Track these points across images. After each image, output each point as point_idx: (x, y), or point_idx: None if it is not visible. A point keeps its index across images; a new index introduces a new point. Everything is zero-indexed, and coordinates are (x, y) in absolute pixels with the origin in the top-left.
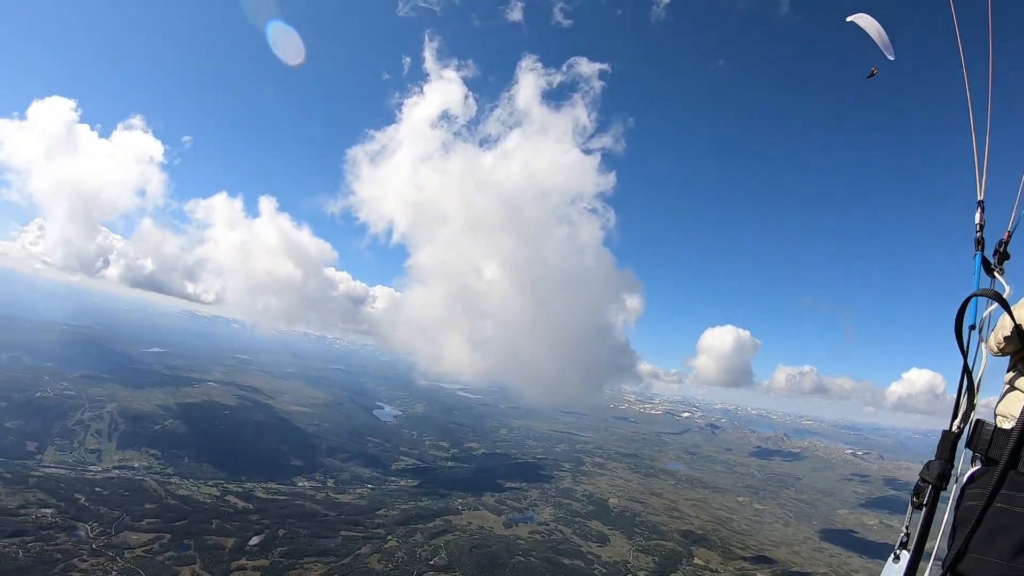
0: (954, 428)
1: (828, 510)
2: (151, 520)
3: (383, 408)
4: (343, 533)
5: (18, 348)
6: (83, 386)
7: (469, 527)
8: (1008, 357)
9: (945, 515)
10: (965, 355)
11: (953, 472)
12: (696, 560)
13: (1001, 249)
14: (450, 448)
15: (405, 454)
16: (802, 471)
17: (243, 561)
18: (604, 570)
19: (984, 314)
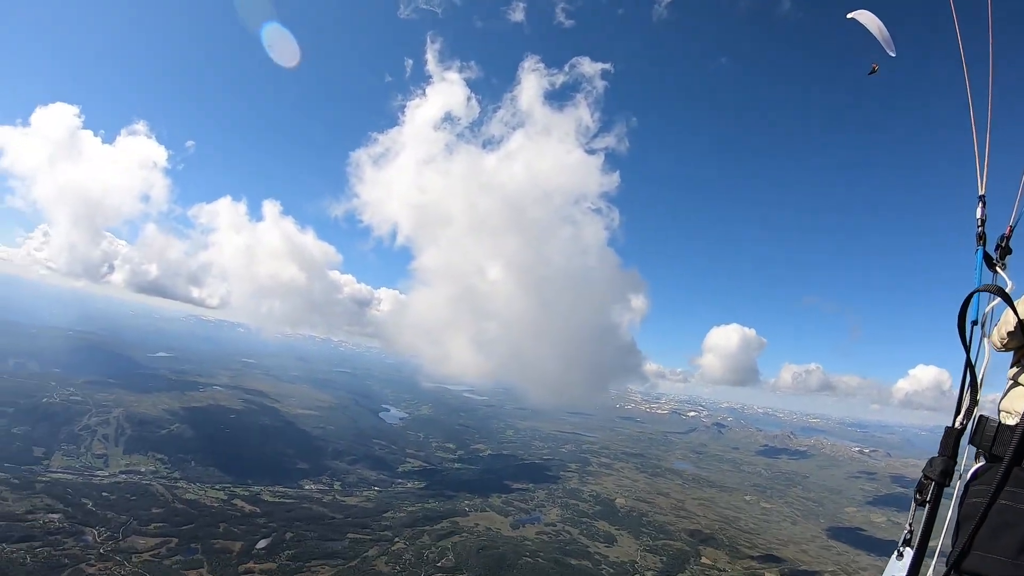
0: (957, 424)
1: (835, 508)
2: (158, 524)
3: (389, 410)
4: (350, 536)
5: (24, 354)
6: (89, 391)
7: (476, 528)
8: (1012, 353)
9: (949, 512)
10: (968, 351)
11: (956, 469)
12: (704, 559)
13: (1003, 244)
14: (456, 450)
15: (411, 456)
16: (809, 469)
17: (250, 564)
18: (612, 570)
19: (987, 309)
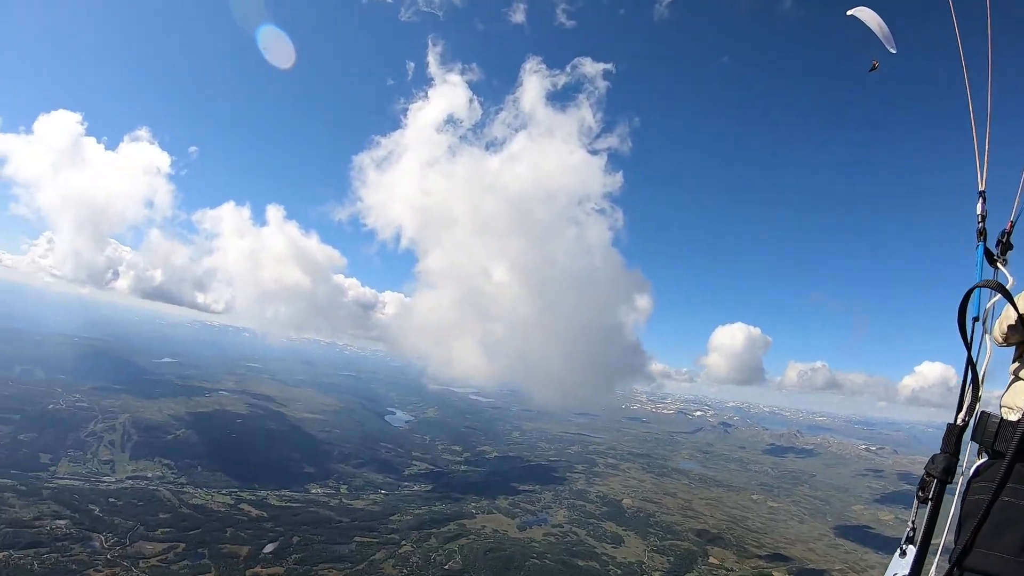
0: (959, 421)
1: (843, 506)
2: (165, 530)
3: (395, 413)
4: (357, 539)
5: (30, 361)
6: (95, 397)
7: (483, 531)
8: (1013, 348)
9: (951, 509)
10: (969, 347)
11: (959, 466)
12: (711, 559)
13: (1004, 239)
14: (463, 452)
15: (418, 459)
16: (816, 467)
17: (258, 569)
18: (619, 571)
19: (987, 305)
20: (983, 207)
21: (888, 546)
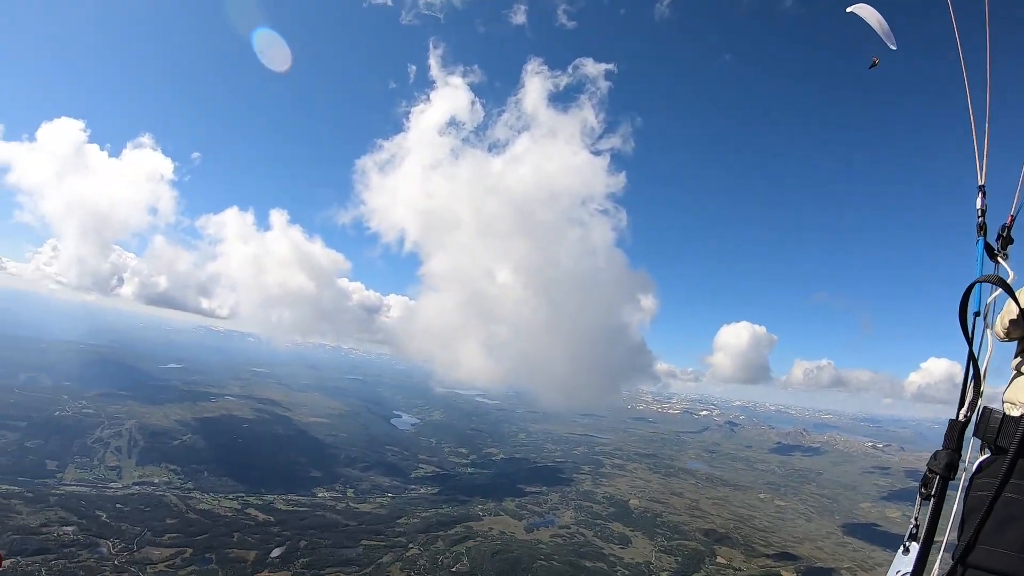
0: (961, 417)
1: (850, 504)
2: (172, 535)
3: (401, 416)
4: (364, 542)
5: (36, 368)
6: (101, 404)
7: (490, 533)
8: (1015, 343)
9: (955, 505)
10: (970, 342)
11: (961, 462)
12: (719, 559)
13: (1004, 234)
14: (469, 454)
15: (424, 462)
16: (823, 466)
17: (265, 573)
18: (627, 572)
19: (988, 300)
20: (983, 202)
21: (896, 543)
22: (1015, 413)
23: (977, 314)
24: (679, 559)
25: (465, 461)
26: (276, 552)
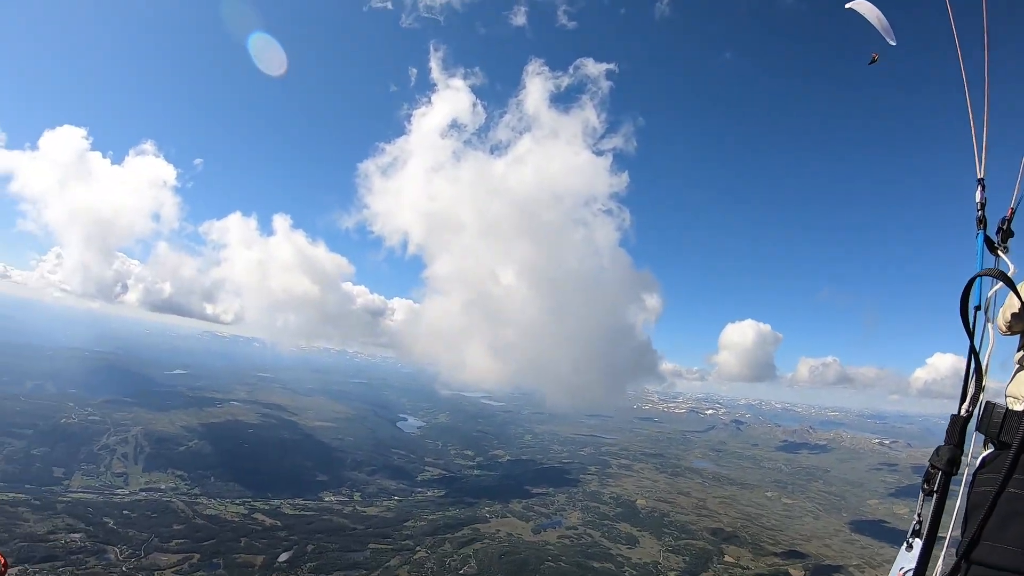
0: (962, 412)
1: (858, 501)
2: (180, 541)
3: (407, 419)
4: (372, 546)
5: (41, 376)
6: (107, 411)
7: (498, 535)
8: (1018, 336)
9: (957, 501)
10: (971, 337)
11: (964, 457)
12: (727, 558)
13: (1004, 227)
14: (475, 456)
15: (430, 464)
16: (830, 463)
17: None
18: (635, 572)
19: (989, 294)
20: (982, 195)
21: (904, 540)
22: (1018, 408)
23: (978, 308)
24: (687, 558)
25: (471, 463)
26: (283, 556)
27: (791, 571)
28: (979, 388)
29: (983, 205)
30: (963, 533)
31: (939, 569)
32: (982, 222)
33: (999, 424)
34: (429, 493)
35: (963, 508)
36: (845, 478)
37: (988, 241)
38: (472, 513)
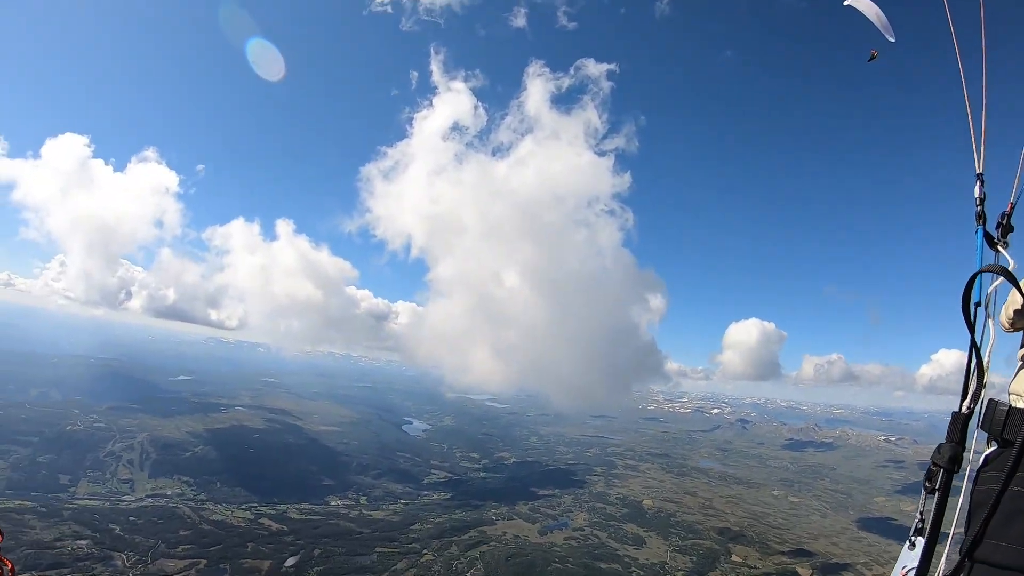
0: (964, 409)
1: (865, 499)
2: (186, 546)
3: (412, 423)
4: (378, 550)
5: (46, 383)
6: (113, 417)
7: (504, 537)
8: (1021, 333)
9: (960, 498)
10: (973, 333)
11: (965, 454)
12: (734, 557)
13: (1004, 222)
14: (481, 459)
15: (436, 467)
16: (836, 461)
17: None
18: (642, 572)
19: (989, 289)
20: (981, 190)
21: None
22: (1021, 405)
23: (978, 304)
24: (694, 558)
25: (477, 466)
26: (290, 561)
27: (799, 570)
28: (980, 385)
29: (982, 200)
30: (967, 531)
31: (942, 567)
32: (981, 218)
33: (1002, 422)
34: (435, 496)
35: (966, 505)
36: (851, 475)
37: (988, 236)
38: (478, 516)
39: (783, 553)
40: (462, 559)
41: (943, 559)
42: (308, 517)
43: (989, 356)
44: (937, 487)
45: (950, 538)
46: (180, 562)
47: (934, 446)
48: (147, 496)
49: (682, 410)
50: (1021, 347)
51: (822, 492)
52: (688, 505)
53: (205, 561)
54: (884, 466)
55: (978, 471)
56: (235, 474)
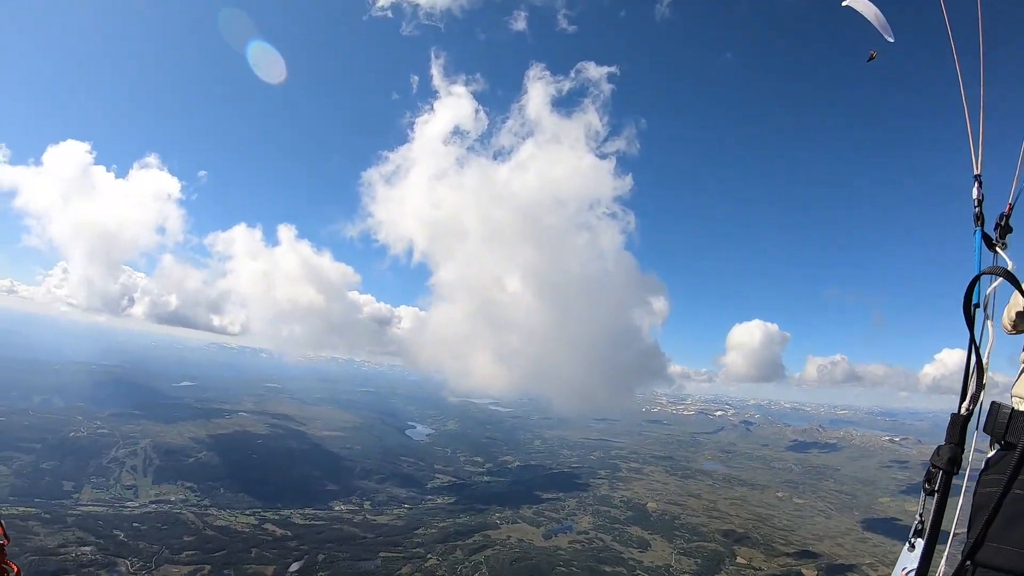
0: (962, 411)
1: (869, 499)
2: (190, 552)
3: (415, 427)
4: (382, 554)
5: (49, 390)
6: (116, 424)
7: (508, 541)
8: (1023, 336)
9: (959, 499)
10: (972, 335)
11: (965, 456)
12: (739, 559)
13: (1003, 223)
14: (485, 463)
15: (440, 472)
16: (840, 462)
17: None
18: (647, 575)
19: (988, 291)
20: (979, 191)
21: None
22: None
23: (977, 305)
24: (699, 561)
25: (481, 470)
26: (294, 567)
27: (804, 571)
28: (979, 387)
29: (980, 201)
30: (969, 534)
31: (942, 568)
32: (979, 219)
33: (1005, 425)
34: (439, 500)
35: (965, 506)
36: (856, 476)
37: (986, 238)
38: (483, 520)
39: (788, 555)
40: (466, 563)
41: (943, 560)
42: (312, 522)
43: (988, 358)
44: (936, 488)
45: (950, 539)
46: (184, 568)
47: (938, 446)
48: (151, 502)
49: (685, 412)
50: (1023, 350)
51: (827, 493)
52: (692, 507)
53: (209, 567)
54: (888, 466)
55: (980, 474)
56: (238, 480)
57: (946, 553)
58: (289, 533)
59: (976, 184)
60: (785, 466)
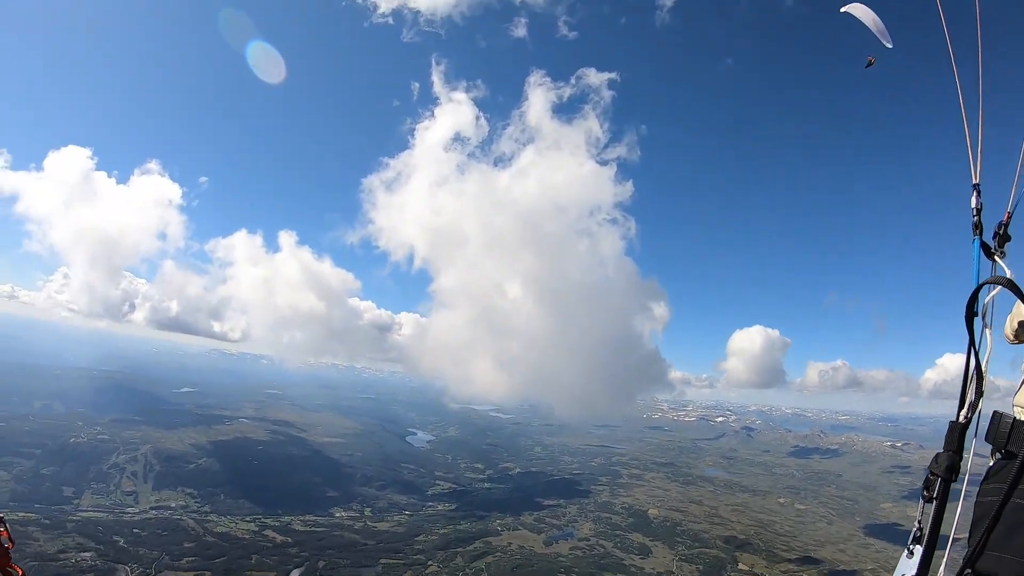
0: (961, 419)
1: (871, 505)
2: (191, 559)
3: (416, 434)
4: (383, 561)
5: (50, 396)
6: (116, 429)
7: (509, 547)
8: None
9: (958, 506)
10: (972, 343)
11: (963, 464)
12: (741, 565)
13: (1001, 232)
14: (485, 470)
15: (441, 478)
16: (842, 467)
17: None
18: None
19: (986, 299)
20: (977, 200)
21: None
22: None
23: (976, 314)
24: (700, 567)
25: (482, 476)
26: (295, 573)
27: None
28: (978, 395)
29: (979, 210)
30: (969, 543)
31: (941, 574)
32: (978, 227)
33: (1006, 434)
34: (440, 507)
35: (965, 512)
36: (857, 482)
37: (985, 246)
38: (483, 526)
39: (790, 560)
40: (467, 570)
41: (942, 566)
42: (312, 529)
43: (987, 366)
44: (935, 496)
45: (949, 544)
46: (184, 574)
47: (936, 453)
48: (151, 508)
49: (687, 418)
50: None
51: (828, 499)
52: (694, 514)
53: (209, 573)
54: (890, 472)
55: (981, 483)
56: (239, 486)
57: (945, 559)
58: (290, 540)
59: (975, 193)
60: (786, 472)
